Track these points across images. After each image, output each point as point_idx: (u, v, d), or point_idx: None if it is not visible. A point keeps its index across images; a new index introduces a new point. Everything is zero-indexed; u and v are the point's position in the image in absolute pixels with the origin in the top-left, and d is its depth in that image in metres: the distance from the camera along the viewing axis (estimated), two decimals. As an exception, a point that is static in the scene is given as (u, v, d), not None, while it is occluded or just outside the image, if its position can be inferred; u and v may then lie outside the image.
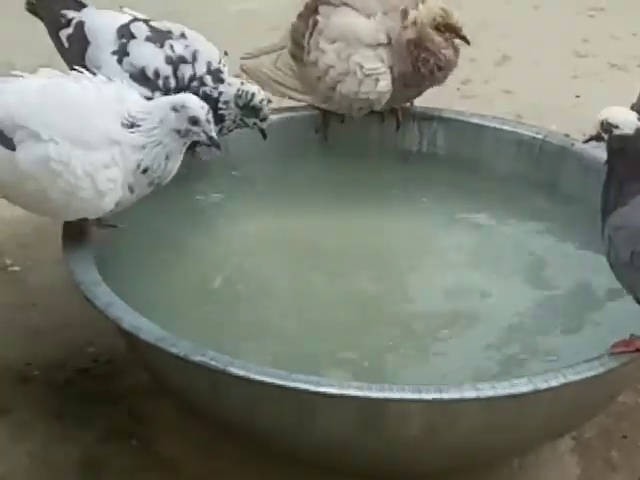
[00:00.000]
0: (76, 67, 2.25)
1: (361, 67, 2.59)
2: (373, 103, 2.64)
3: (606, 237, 1.96)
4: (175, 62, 2.40)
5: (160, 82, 2.35)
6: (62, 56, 2.59)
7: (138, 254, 2.37)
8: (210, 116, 2.13)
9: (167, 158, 2.10)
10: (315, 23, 2.73)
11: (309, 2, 2.74)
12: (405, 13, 2.57)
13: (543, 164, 2.66)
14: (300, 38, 2.76)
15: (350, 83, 2.65)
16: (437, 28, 2.59)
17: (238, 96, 2.42)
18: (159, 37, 2.44)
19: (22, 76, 2.27)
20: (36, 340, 2.56)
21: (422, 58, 2.56)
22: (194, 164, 2.51)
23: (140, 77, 2.31)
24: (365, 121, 2.75)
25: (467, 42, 2.67)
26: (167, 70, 2.32)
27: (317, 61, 2.73)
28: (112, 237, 2.28)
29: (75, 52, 2.50)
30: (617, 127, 1.92)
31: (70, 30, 2.53)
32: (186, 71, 2.42)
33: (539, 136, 2.69)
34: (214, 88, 2.44)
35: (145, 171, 2.09)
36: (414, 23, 2.58)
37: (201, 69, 2.43)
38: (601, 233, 1.99)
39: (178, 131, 2.09)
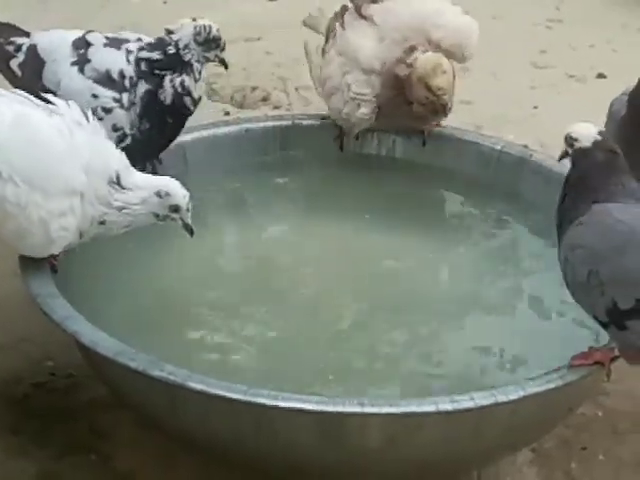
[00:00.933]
0: (40, 93, 2.21)
1: (349, 88, 2.66)
2: (353, 125, 2.71)
3: (562, 257, 1.99)
4: (136, 58, 2.42)
5: (127, 82, 2.36)
6: (14, 86, 2.54)
7: (97, 269, 2.34)
8: (190, 205, 2.15)
9: (129, 226, 2.12)
10: (335, 30, 2.80)
11: (345, 4, 2.78)
12: (412, 50, 2.62)
13: (501, 174, 2.71)
14: (327, 37, 2.86)
15: (337, 99, 2.73)
16: (424, 84, 2.63)
17: (197, 33, 2.45)
18: (116, 43, 2.46)
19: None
20: None
21: (401, 96, 2.64)
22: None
23: (105, 80, 2.31)
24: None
25: (443, 113, 2.69)
26: (130, 70, 2.33)
27: (324, 67, 2.83)
28: (69, 253, 2.25)
29: (30, 77, 2.50)
30: (577, 140, 1.97)
31: (21, 57, 2.54)
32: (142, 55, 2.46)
33: (497, 147, 2.75)
34: (170, 39, 2.45)
35: (103, 223, 2.08)
36: (411, 65, 2.62)
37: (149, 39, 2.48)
38: (558, 250, 2.02)
39: (157, 215, 2.11)
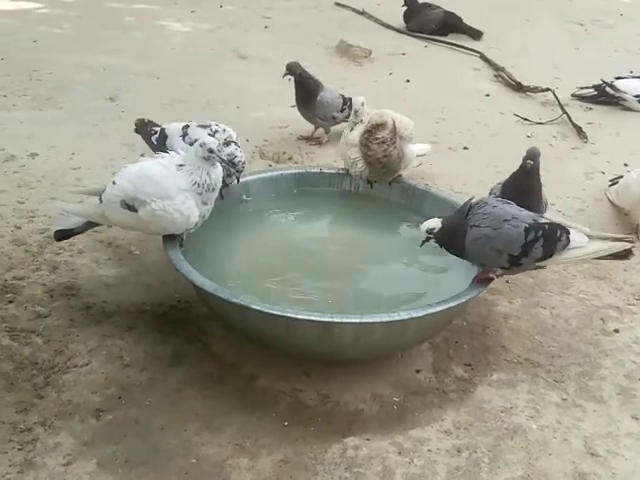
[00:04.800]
0: (160, 152, 3.07)
1: (349, 157, 3.51)
2: (361, 176, 3.51)
3: (469, 247, 2.81)
4: (213, 135, 3.25)
5: None
6: (152, 149, 3.46)
7: (202, 246, 3.07)
8: (221, 147, 2.87)
9: (207, 174, 2.85)
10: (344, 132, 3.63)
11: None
12: (378, 127, 3.40)
13: (414, 198, 3.54)
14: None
15: (346, 163, 3.57)
16: (367, 132, 3.41)
17: (229, 155, 3.18)
18: (204, 126, 3.37)
19: (140, 160, 3.05)
20: (148, 290, 3.31)
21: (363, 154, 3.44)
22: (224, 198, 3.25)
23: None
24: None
25: (378, 165, 3.37)
26: (219, 145, 2.95)
27: (342, 148, 3.62)
28: (188, 237, 2.97)
29: (160, 145, 3.43)
30: (433, 229, 2.89)
31: (157, 135, 3.52)
32: (221, 137, 3.25)
33: (413, 184, 3.57)
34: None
35: (198, 185, 2.84)
36: (366, 136, 3.43)
37: (223, 137, 3.26)
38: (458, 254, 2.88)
39: (204, 157, 2.83)
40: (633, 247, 2.95)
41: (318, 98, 4.55)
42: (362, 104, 3.62)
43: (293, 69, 4.67)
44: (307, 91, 4.64)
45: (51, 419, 2.66)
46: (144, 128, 3.61)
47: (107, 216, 3.00)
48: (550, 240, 2.81)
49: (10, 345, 2.97)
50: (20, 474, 2.45)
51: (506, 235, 2.77)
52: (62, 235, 3.24)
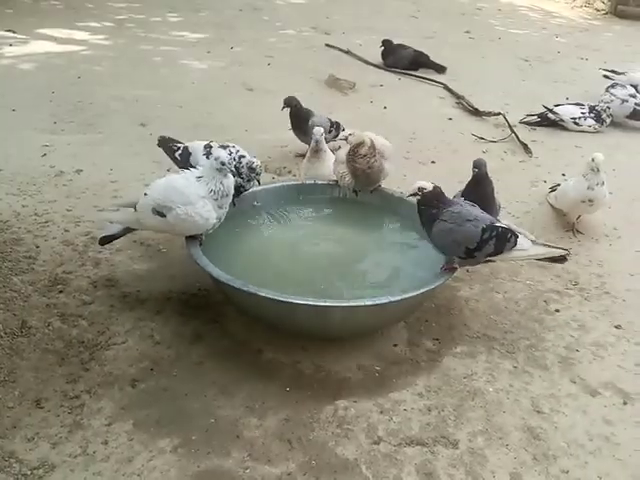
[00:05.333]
0: (184, 168, 3.06)
1: (339, 172, 3.45)
2: (348, 187, 3.44)
3: (434, 237, 2.85)
4: (232, 155, 3.21)
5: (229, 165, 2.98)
6: (176, 164, 3.40)
7: (218, 245, 3.05)
8: (231, 161, 2.85)
9: (221, 183, 2.85)
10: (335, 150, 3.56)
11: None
12: (359, 145, 3.31)
13: (391, 203, 3.48)
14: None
15: (337, 176, 3.47)
16: (351, 151, 3.36)
17: (249, 163, 3.24)
18: (224, 147, 3.30)
19: (166, 175, 3.05)
20: (173, 281, 3.32)
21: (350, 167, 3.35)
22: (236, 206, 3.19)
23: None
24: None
25: (363, 176, 3.28)
26: (230, 159, 2.97)
27: (334, 164, 3.48)
28: (207, 237, 2.96)
29: (183, 160, 3.38)
30: (425, 188, 2.89)
31: (180, 151, 3.41)
32: (236, 156, 3.21)
33: (390, 192, 3.49)
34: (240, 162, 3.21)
35: (213, 192, 2.85)
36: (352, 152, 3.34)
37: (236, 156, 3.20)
38: (425, 233, 2.90)
39: (218, 169, 2.84)
40: (567, 255, 3.00)
41: (310, 122, 4.50)
42: (321, 134, 3.64)
43: (290, 102, 4.67)
44: (301, 117, 4.62)
45: (95, 388, 2.67)
46: (165, 143, 3.57)
47: (141, 222, 3.00)
48: (501, 240, 2.83)
49: (61, 327, 2.98)
50: (70, 433, 2.47)
51: (466, 231, 2.79)
52: (106, 240, 3.25)
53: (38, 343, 2.86)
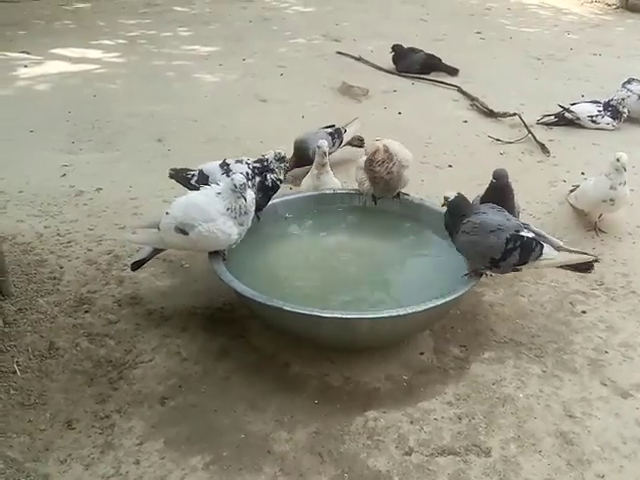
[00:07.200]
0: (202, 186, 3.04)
1: (359, 178, 3.46)
2: (367, 194, 3.45)
3: (460, 246, 2.86)
4: (252, 168, 3.23)
5: (249, 177, 3.13)
6: (192, 189, 3.26)
7: (241, 260, 3.04)
8: (244, 184, 2.82)
9: (235, 201, 2.85)
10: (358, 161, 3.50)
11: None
12: (374, 153, 3.33)
13: (411, 209, 3.49)
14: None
15: (359, 183, 3.48)
16: (368, 160, 3.37)
17: (276, 155, 3.26)
18: (240, 161, 3.33)
19: (186, 192, 3.08)
20: (197, 297, 3.31)
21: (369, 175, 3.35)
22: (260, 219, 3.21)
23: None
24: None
25: (382, 182, 3.27)
26: (249, 171, 3.13)
27: (356, 172, 3.50)
28: (229, 252, 2.95)
29: (202, 184, 3.15)
30: (450, 197, 2.91)
31: (196, 177, 3.41)
32: (256, 165, 3.23)
33: (410, 198, 3.51)
34: (264, 158, 3.26)
35: (230, 210, 2.85)
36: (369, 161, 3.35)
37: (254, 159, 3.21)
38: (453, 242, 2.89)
39: (232, 189, 2.84)
40: (595, 262, 2.96)
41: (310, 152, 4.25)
42: (327, 147, 3.70)
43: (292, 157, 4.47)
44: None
45: (125, 407, 2.68)
46: (179, 174, 3.53)
47: (165, 241, 3.01)
48: (526, 250, 2.82)
49: (88, 347, 3.00)
50: (102, 454, 2.48)
51: (489, 243, 2.79)
52: (137, 265, 3.28)
53: (67, 364, 2.88)
